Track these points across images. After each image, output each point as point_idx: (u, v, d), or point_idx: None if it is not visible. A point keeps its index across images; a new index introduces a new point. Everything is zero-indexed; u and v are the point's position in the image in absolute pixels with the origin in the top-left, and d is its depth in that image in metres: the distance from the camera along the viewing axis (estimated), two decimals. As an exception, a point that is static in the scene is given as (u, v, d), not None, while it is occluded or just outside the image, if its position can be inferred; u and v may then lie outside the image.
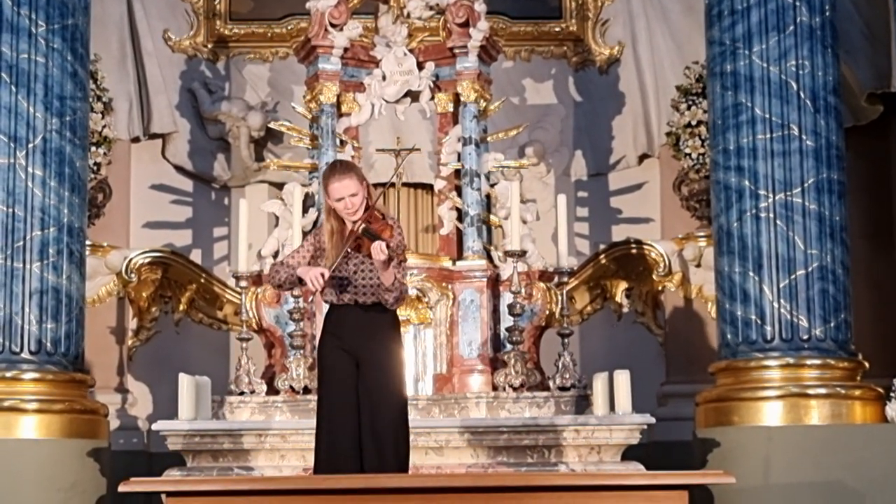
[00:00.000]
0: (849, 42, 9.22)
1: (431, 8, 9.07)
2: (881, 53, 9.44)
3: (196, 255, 9.94)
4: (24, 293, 7.71)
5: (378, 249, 6.10)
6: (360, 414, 6.29)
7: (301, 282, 6.33)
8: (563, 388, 8.38)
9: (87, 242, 8.43)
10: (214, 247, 10.10)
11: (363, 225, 6.20)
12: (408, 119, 8.92)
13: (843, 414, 7.74)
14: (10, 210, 7.75)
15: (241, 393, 8.37)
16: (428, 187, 8.94)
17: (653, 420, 8.10)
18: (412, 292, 8.44)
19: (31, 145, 7.80)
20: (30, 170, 7.79)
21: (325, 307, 6.51)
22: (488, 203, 8.87)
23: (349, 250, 6.25)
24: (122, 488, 5.96)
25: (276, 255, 8.56)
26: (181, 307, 9.66)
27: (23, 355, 7.71)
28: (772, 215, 7.89)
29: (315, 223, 8.41)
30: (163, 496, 6.06)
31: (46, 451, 7.63)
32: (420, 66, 8.90)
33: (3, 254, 7.72)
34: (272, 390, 8.42)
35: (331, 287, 6.33)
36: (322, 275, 6.17)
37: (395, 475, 6.11)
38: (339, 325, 6.35)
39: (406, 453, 6.29)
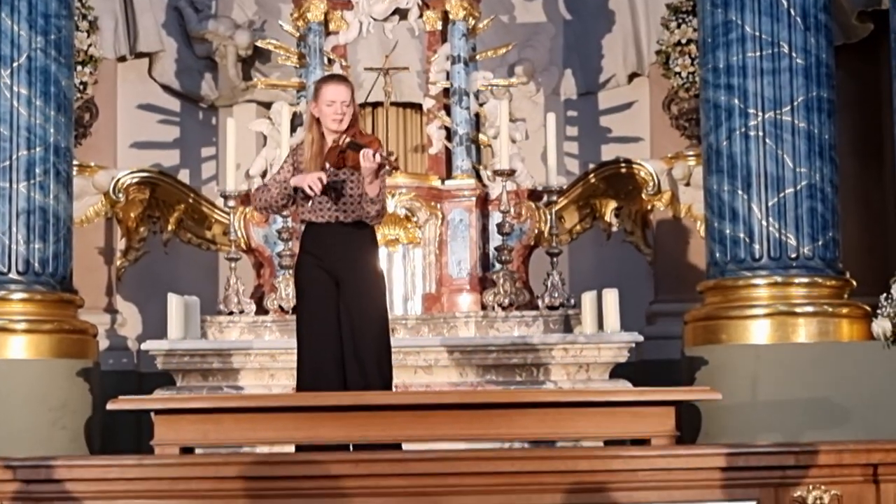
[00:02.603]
0: (840, -41, 9.15)
1: (420, -76, 8.98)
2: (873, -29, 9.38)
3: (184, 175, 9.90)
4: (11, 213, 7.69)
5: (369, 156, 6.05)
6: (342, 332, 6.29)
7: (296, 192, 6.27)
8: (551, 307, 8.40)
9: (75, 162, 8.39)
10: (202, 167, 10.06)
11: (348, 139, 6.16)
12: (396, 37, 8.86)
13: (830, 332, 7.77)
14: (-4, 130, 7.72)
15: (230, 313, 8.38)
16: (416, 107, 8.90)
17: (641, 338, 8.13)
18: (401, 212, 8.43)
19: (15, 64, 7.74)
20: (15, 89, 7.73)
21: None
22: (477, 122, 8.84)
23: (328, 165, 6.21)
24: (110, 406, 5.97)
25: (264, 174, 8.53)
26: (170, 227, 9.62)
27: (10, 275, 7.70)
28: (761, 134, 7.86)
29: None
30: (151, 414, 6.08)
31: (36, 371, 7.64)
32: (408, -16, 8.83)
33: (-11, 173, 7.70)
34: (261, 310, 8.43)
35: (311, 204, 6.28)
36: (320, 178, 6.14)
37: (383, 392, 6.14)
38: (317, 244, 6.32)
39: (389, 371, 6.31)
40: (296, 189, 6.25)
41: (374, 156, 6.04)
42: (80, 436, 7.72)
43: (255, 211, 8.10)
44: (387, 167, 6.15)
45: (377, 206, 6.22)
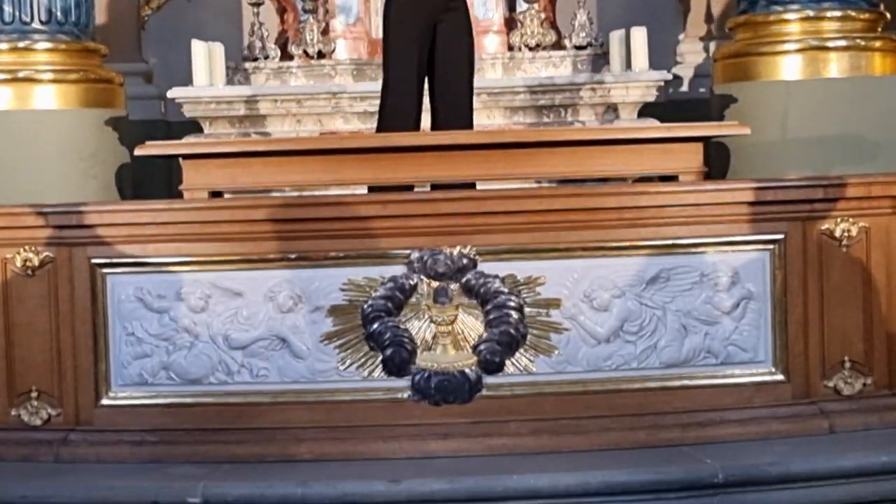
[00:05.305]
0: None
1: None
2: None
3: (202, -82, 9.74)
4: (31, -39, 7.60)
5: None
6: (435, 74, 6.29)
7: None
8: (579, 47, 8.32)
9: None
10: (222, -90, 9.87)
11: None
12: None
13: (862, 66, 7.65)
14: None
15: (255, 59, 8.33)
16: None
17: (669, 76, 8.07)
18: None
19: None
20: None
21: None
22: None
23: None
24: (137, 152, 5.98)
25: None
26: (192, -26, 9.50)
27: (33, 25, 7.62)
28: None
29: None
30: (180, 160, 6.08)
31: (64, 120, 7.63)
32: None
33: (4, -81, 7.58)
34: (286, 55, 8.37)
35: None
36: None
37: (409, 134, 6.13)
38: None
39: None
40: None
41: None
42: (111, 184, 7.76)
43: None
44: None
45: None
